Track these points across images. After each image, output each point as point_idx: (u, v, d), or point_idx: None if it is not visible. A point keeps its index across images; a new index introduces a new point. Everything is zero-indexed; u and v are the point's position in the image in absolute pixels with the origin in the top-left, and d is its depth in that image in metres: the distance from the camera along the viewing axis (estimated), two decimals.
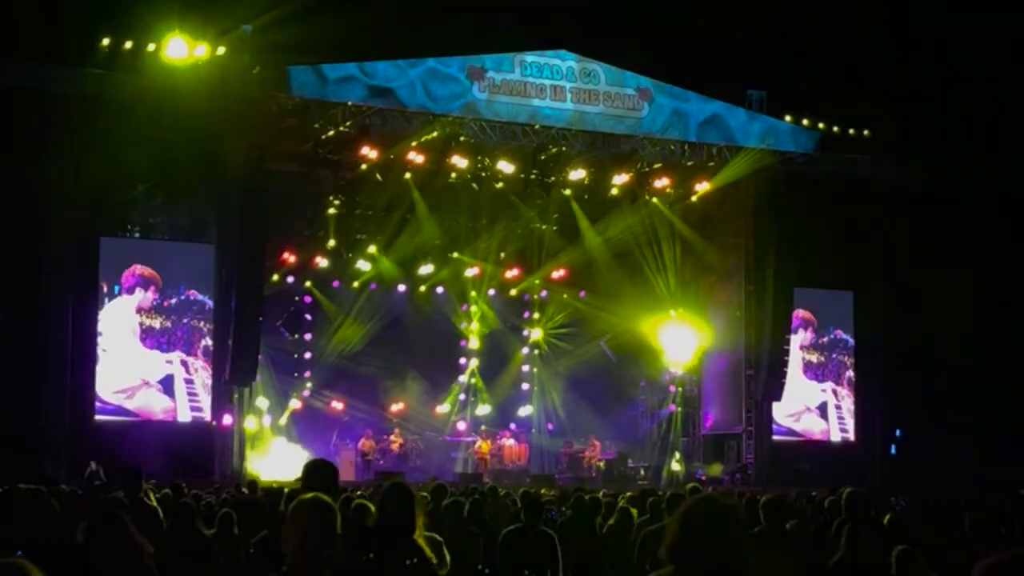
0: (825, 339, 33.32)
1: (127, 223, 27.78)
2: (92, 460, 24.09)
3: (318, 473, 7.34)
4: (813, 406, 32.93)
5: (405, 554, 6.49)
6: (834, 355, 33.35)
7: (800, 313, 32.40)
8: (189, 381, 27.24)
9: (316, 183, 29.21)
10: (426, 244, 31.38)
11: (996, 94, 31.41)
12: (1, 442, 23.88)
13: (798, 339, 32.52)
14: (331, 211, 30.17)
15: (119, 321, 26.83)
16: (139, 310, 27.04)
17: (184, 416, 27.14)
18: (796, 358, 32.37)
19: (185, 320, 27.41)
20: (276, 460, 28.59)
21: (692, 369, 33.64)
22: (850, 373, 33.35)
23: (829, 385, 33.13)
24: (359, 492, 12.64)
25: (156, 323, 27.20)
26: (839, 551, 7.91)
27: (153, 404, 26.94)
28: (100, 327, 26.60)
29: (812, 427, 32.79)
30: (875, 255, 32.74)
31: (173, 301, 27.37)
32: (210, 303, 27.65)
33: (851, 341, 33.51)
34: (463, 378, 33.75)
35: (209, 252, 27.59)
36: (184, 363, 27.28)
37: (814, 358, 33.16)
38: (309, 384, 31.59)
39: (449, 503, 10.78)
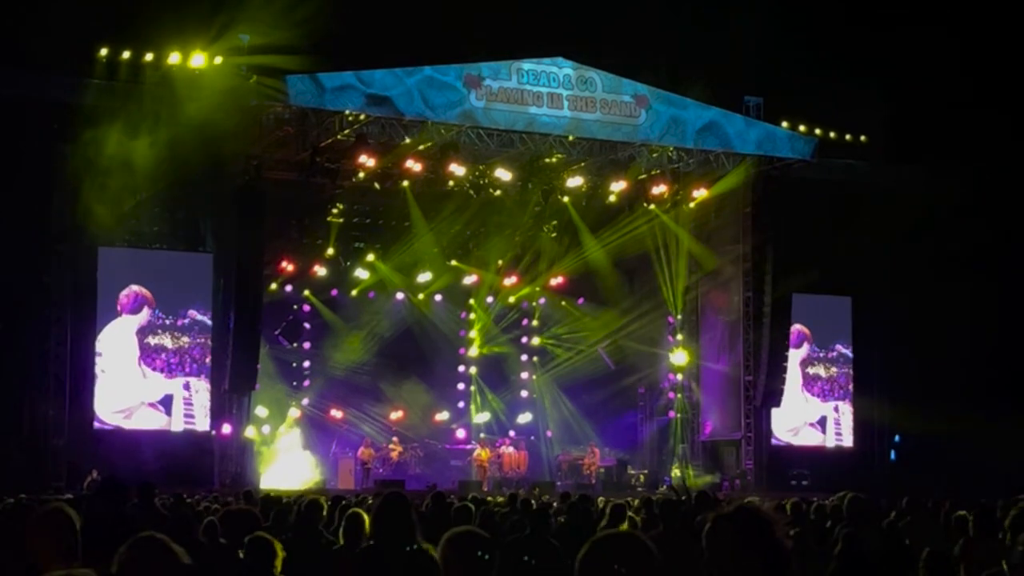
0: (833, 354, 33.28)
1: (125, 233, 27.74)
2: (92, 469, 24.07)
3: (102, 494, 7.31)
4: (813, 420, 32.90)
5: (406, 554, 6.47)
6: (838, 370, 33.33)
7: (796, 328, 32.36)
8: (188, 402, 27.14)
9: (314, 192, 29.18)
10: (424, 252, 31.38)
11: (994, 98, 31.45)
12: (0, 450, 23.85)
13: (797, 354, 32.47)
14: (330, 219, 30.19)
15: (119, 342, 26.72)
16: (140, 331, 26.93)
17: (178, 429, 27.02)
18: (795, 373, 32.32)
19: (189, 340, 27.32)
20: (276, 468, 28.59)
21: (691, 375, 33.64)
22: (852, 387, 33.33)
23: (832, 403, 33.11)
24: (367, 501, 12.58)
25: (162, 342, 27.07)
26: (844, 558, 7.90)
27: (151, 422, 26.83)
28: (100, 347, 26.50)
29: (811, 440, 32.77)
30: (873, 260, 32.73)
31: (178, 322, 27.23)
32: (210, 320, 27.57)
33: (850, 353, 33.49)
34: (461, 386, 33.76)
35: (207, 261, 27.56)
36: (187, 385, 27.20)
37: (818, 372, 33.13)
38: (308, 393, 31.55)
39: (459, 507, 10.75)
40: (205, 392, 27.23)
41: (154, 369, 26.94)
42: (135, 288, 26.93)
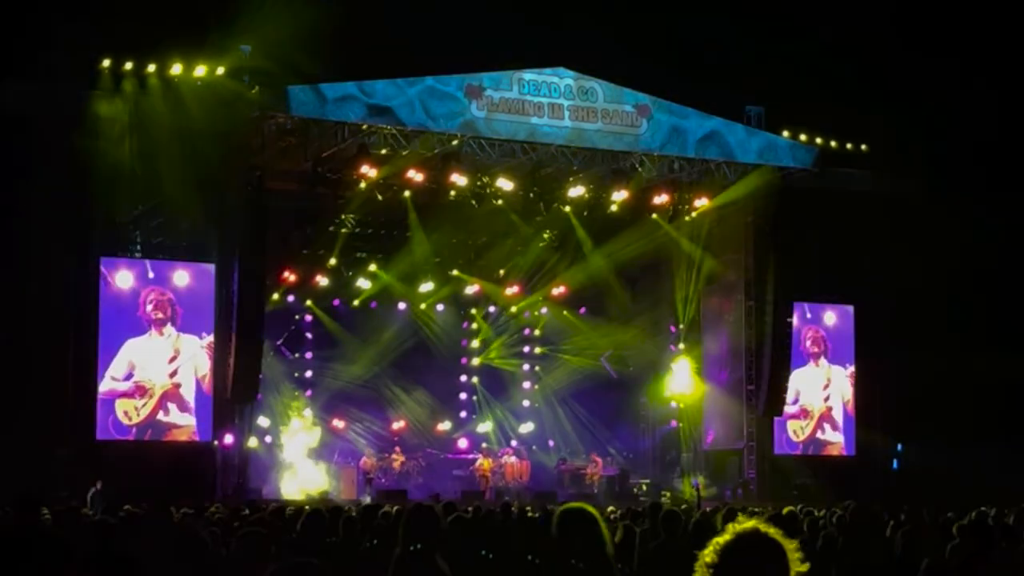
0: (835, 319, 33.38)
1: (127, 243, 27.78)
2: (96, 479, 24.05)
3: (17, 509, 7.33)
4: (822, 383, 32.79)
5: None
6: (838, 322, 33.31)
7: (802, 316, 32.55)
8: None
9: (316, 202, 29.23)
10: (426, 262, 31.43)
11: (994, 106, 31.49)
12: (0, 462, 23.85)
13: (807, 334, 32.54)
14: (331, 229, 30.24)
15: (130, 326, 26.79)
16: (152, 320, 27.00)
17: (175, 418, 26.93)
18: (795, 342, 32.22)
19: (198, 334, 27.40)
20: (295, 475, 28.67)
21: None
22: (853, 392, 33.32)
23: (837, 366, 33.06)
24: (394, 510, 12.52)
25: (174, 338, 27.16)
26: (848, 566, 7.92)
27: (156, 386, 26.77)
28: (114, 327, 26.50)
29: (812, 403, 32.61)
30: (875, 269, 32.76)
31: (190, 317, 27.30)
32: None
33: (853, 357, 33.49)
34: (464, 396, 33.81)
35: (210, 272, 27.59)
36: (196, 377, 27.26)
37: (817, 335, 33.08)
38: (311, 402, 31.57)
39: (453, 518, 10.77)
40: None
41: (167, 358, 26.90)
42: (152, 288, 26.91)
